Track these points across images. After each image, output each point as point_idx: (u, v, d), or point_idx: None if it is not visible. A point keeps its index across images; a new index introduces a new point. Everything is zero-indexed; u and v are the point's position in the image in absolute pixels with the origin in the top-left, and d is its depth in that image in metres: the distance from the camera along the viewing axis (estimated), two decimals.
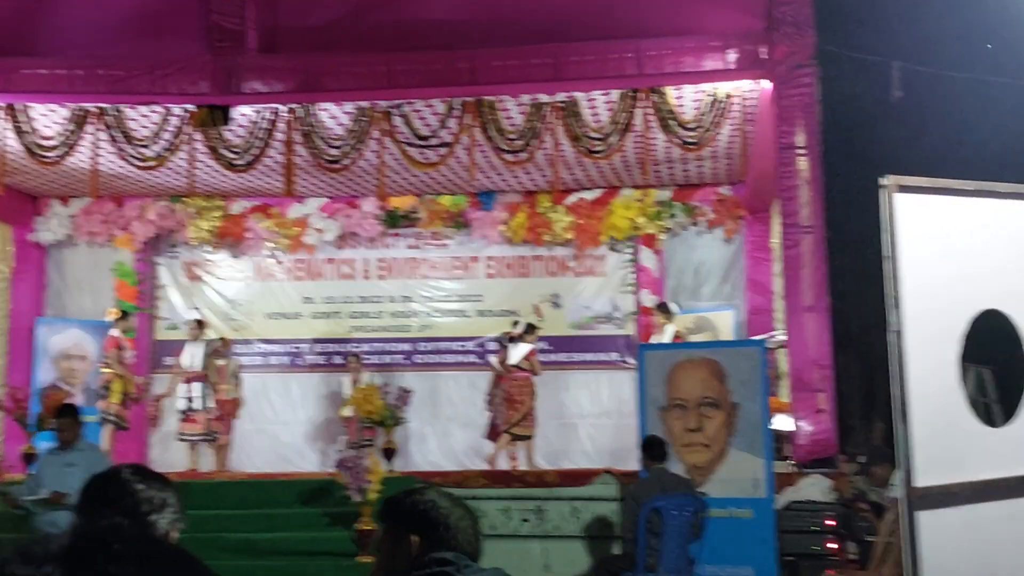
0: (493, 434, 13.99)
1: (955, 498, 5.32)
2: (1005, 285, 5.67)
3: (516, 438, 13.70)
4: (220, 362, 14.26)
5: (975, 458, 5.44)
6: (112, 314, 14.35)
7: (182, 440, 14.09)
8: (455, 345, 16.05)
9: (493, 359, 14.13)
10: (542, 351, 15.22)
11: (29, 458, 12.24)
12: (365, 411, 12.61)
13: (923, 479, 5.21)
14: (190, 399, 13.86)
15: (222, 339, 14.70)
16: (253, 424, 15.65)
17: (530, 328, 14.08)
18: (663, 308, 13.79)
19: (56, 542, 0.95)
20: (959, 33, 17.59)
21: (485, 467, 13.30)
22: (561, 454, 14.63)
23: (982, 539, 5.36)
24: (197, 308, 16.14)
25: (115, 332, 14.08)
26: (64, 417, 9.15)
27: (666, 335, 13.34)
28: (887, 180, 5.42)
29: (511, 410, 13.67)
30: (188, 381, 13.96)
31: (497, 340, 14.63)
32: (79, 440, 8.95)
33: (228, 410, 14.29)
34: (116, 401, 13.77)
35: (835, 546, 9.77)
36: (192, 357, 14.04)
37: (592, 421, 15.05)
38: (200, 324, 14.58)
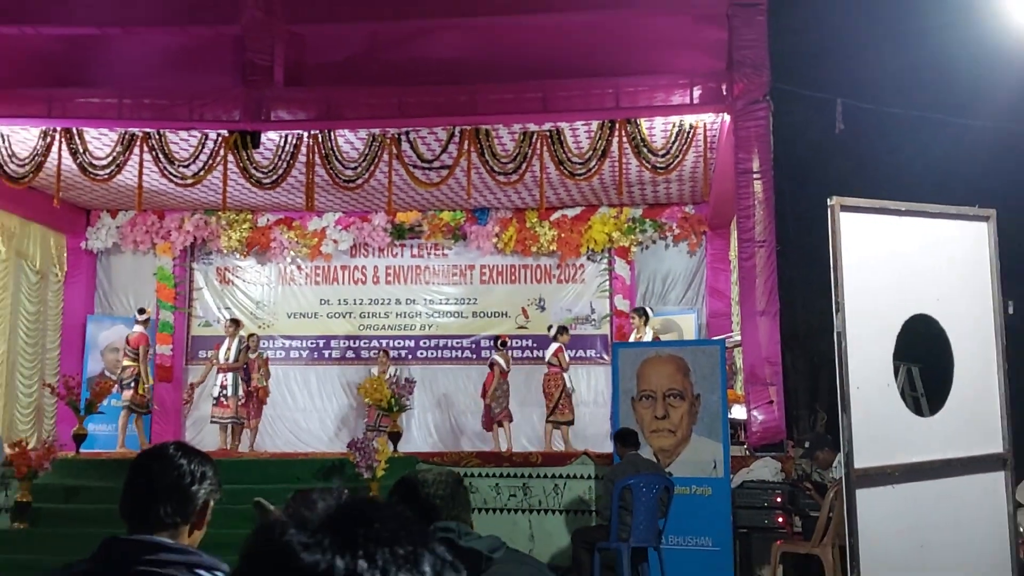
0: (487, 423, 14.00)
1: (889, 478, 5.37)
2: (933, 293, 5.73)
3: (557, 424, 13.70)
4: (251, 355, 14.29)
5: (906, 444, 5.49)
6: (141, 314, 14.34)
7: (214, 423, 14.12)
8: (453, 342, 16.04)
9: (500, 359, 14.09)
10: (529, 348, 15.28)
11: (79, 438, 12.27)
12: (374, 399, 12.63)
13: (861, 461, 5.25)
14: (223, 387, 13.88)
15: (252, 335, 14.71)
16: (275, 410, 15.65)
17: (561, 330, 14.14)
18: (641, 312, 13.81)
19: (323, 509, 0.95)
20: (896, 74, 17.70)
21: (480, 448, 13.33)
22: (544, 437, 14.65)
23: (912, 514, 5.41)
24: (228, 308, 16.17)
25: (140, 330, 14.08)
26: None
27: (646, 335, 13.36)
28: (832, 201, 5.47)
29: (548, 400, 13.71)
30: (223, 371, 13.98)
31: (492, 341, 14.61)
32: None
33: (259, 397, 14.32)
34: (141, 392, 13.81)
35: (783, 520, 9.79)
36: (228, 351, 14.06)
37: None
38: (236, 323, 14.57)
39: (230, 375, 13.88)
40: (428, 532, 0.97)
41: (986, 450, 5.80)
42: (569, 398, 13.68)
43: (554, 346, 13.88)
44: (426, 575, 0.92)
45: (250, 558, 0.92)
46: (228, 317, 15.22)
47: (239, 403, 13.87)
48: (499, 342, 14.38)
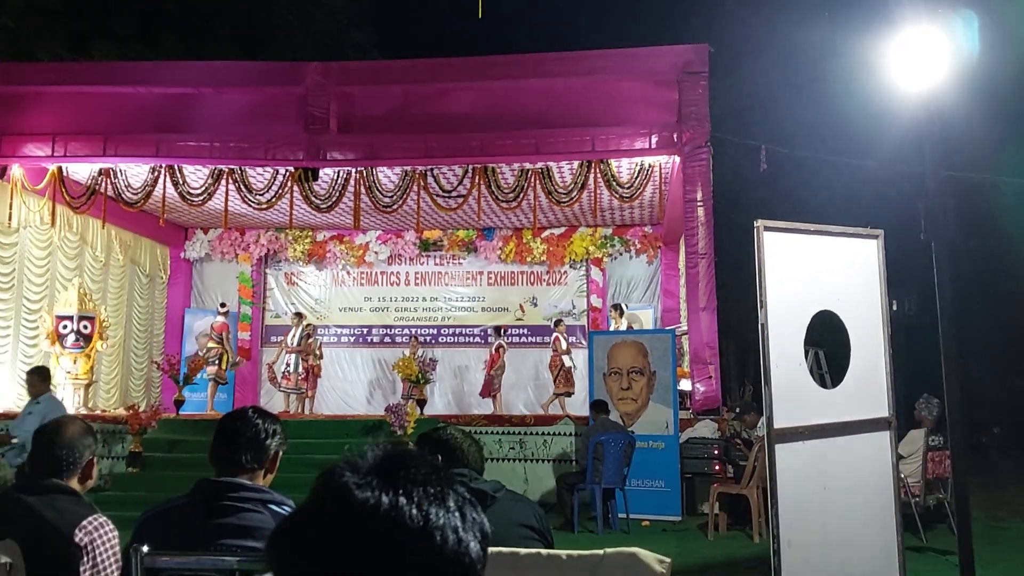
0: (486, 392, 13.98)
1: (800, 436, 5.37)
2: (835, 294, 5.74)
3: (557, 395, 13.66)
4: (310, 340, 14.31)
5: (814, 409, 5.49)
6: (223, 307, 14.45)
7: (281, 391, 14.14)
8: (466, 330, 16.06)
9: (504, 343, 14.11)
10: (525, 336, 15.27)
11: (178, 403, 12.28)
12: (405, 374, 12.63)
13: (779, 423, 5.26)
14: (288, 365, 13.92)
15: (309, 325, 14.72)
16: (329, 383, 15.66)
17: (557, 322, 14.17)
18: (618, 308, 13.82)
19: (372, 455, 0.95)
20: (807, 126, 17.70)
21: (487, 412, 13.34)
22: (536, 404, 14.66)
23: (817, 463, 5.41)
24: (293, 304, 16.18)
25: (222, 320, 14.16)
26: (31, 375, 8.20)
27: (623, 325, 13.37)
28: (757, 223, 5.47)
29: (552, 376, 13.74)
30: (289, 353, 14.01)
31: (494, 330, 14.61)
32: (43, 394, 7.97)
33: (315, 373, 14.34)
34: (223, 368, 13.83)
35: (719, 468, 9.81)
36: (293, 337, 14.09)
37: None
38: (299, 316, 14.61)
39: (293, 356, 13.93)
40: (452, 476, 0.98)
41: (875, 415, 5.80)
42: (569, 374, 13.64)
43: (553, 335, 13.90)
44: (451, 509, 0.93)
45: (314, 495, 0.93)
46: (293, 311, 15.22)
47: (300, 377, 13.91)
48: (501, 330, 14.38)
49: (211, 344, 13.92)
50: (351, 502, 0.90)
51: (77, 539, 2.59)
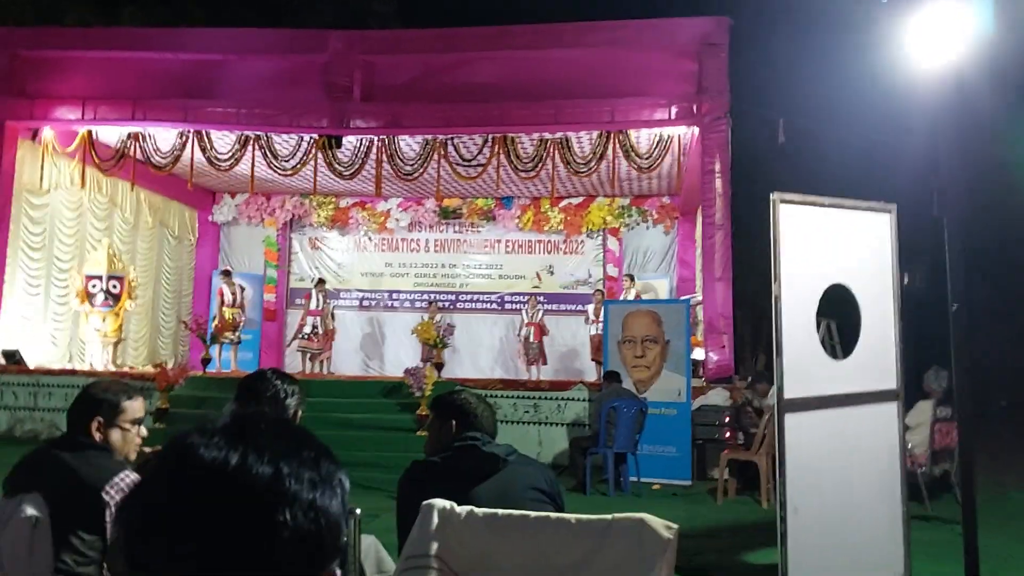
0: (541, 360, 14.02)
1: (810, 405, 5.37)
2: (846, 267, 5.70)
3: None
4: (325, 304, 14.39)
5: (823, 380, 5.48)
6: (225, 273, 14.23)
7: (302, 351, 14.17)
8: (484, 297, 16.06)
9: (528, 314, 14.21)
10: (542, 304, 15.24)
11: (205, 362, 12.40)
12: (423, 338, 12.67)
13: (790, 393, 5.25)
14: (313, 327, 13.99)
15: (324, 289, 14.82)
16: (351, 344, 15.77)
17: (597, 293, 14.12)
18: (630, 277, 13.80)
19: (221, 421, 0.90)
20: (825, 99, 17.51)
21: (501, 376, 13.38)
22: (557, 368, 14.68)
23: (826, 432, 5.41)
24: (317, 268, 16.24)
25: (223, 285, 13.88)
26: None
27: (631, 295, 13.34)
28: (774, 195, 5.42)
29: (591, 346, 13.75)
30: (311, 315, 14.06)
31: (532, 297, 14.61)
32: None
33: (330, 335, 14.43)
34: (238, 331, 13.80)
35: (729, 435, 9.80)
36: (316, 301, 14.13)
37: (574, 348, 15.09)
38: (321, 281, 14.67)
39: (316, 318, 13.98)
40: (307, 434, 0.93)
41: (883, 386, 5.79)
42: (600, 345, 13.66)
43: (590, 307, 13.82)
44: (305, 462, 0.88)
45: (161, 460, 0.88)
46: (316, 277, 15.25)
47: (320, 339, 14.01)
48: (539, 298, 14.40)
49: (228, 309, 13.87)
50: (195, 463, 0.84)
51: (106, 495, 2.62)
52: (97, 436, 2.75)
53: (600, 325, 13.44)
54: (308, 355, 14.01)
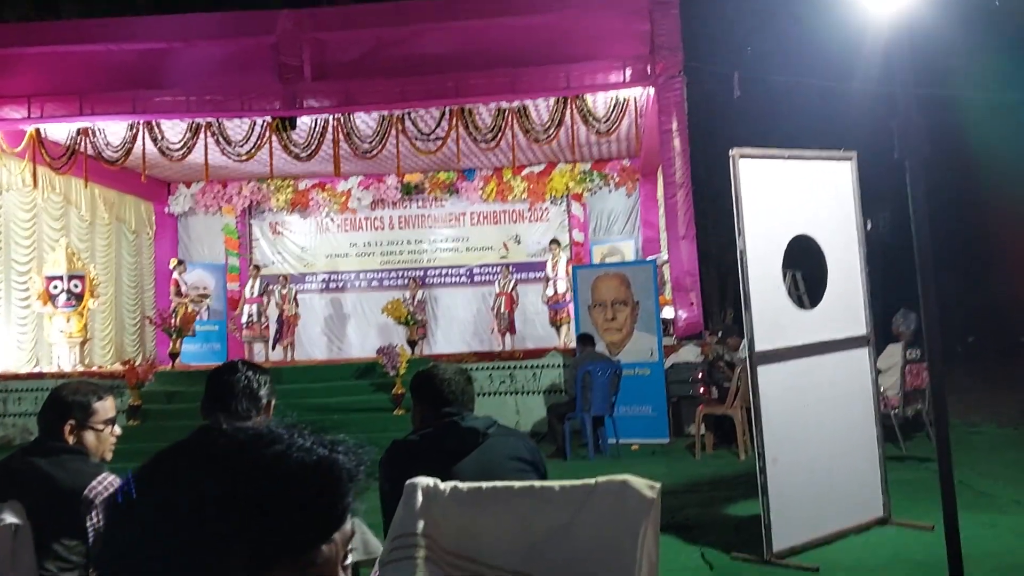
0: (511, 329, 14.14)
1: (780, 356, 5.43)
2: (810, 218, 5.75)
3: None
4: (283, 290, 14.38)
5: (793, 330, 5.54)
6: (174, 263, 14.11)
7: (247, 343, 14.30)
8: (451, 271, 16.02)
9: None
10: (512, 273, 15.22)
11: (173, 357, 12.29)
12: (395, 316, 12.64)
13: (761, 345, 5.31)
14: (251, 315, 14.15)
15: (283, 276, 14.84)
16: (319, 328, 15.71)
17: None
18: (555, 242, 13.91)
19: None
20: (780, 50, 17.56)
21: (474, 349, 13.39)
22: (525, 337, 14.72)
23: (799, 382, 5.48)
24: (280, 254, 16.11)
25: (176, 275, 13.77)
26: None
27: (561, 261, 13.58)
28: (733, 151, 5.45)
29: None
30: (248, 303, 14.26)
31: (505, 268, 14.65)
32: None
33: (291, 322, 14.45)
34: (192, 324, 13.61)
35: (703, 390, 9.91)
36: (252, 288, 14.32)
37: (544, 315, 15.11)
38: (257, 268, 14.71)
39: (255, 305, 14.16)
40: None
41: (853, 333, 5.87)
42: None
43: (548, 258, 13.98)
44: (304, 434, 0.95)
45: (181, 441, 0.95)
46: (252, 264, 15.23)
47: (262, 327, 14.20)
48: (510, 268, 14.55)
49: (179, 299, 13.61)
50: (218, 439, 0.91)
51: (86, 497, 2.59)
52: (71, 439, 2.71)
53: (559, 279, 13.57)
54: (254, 344, 14.05)
